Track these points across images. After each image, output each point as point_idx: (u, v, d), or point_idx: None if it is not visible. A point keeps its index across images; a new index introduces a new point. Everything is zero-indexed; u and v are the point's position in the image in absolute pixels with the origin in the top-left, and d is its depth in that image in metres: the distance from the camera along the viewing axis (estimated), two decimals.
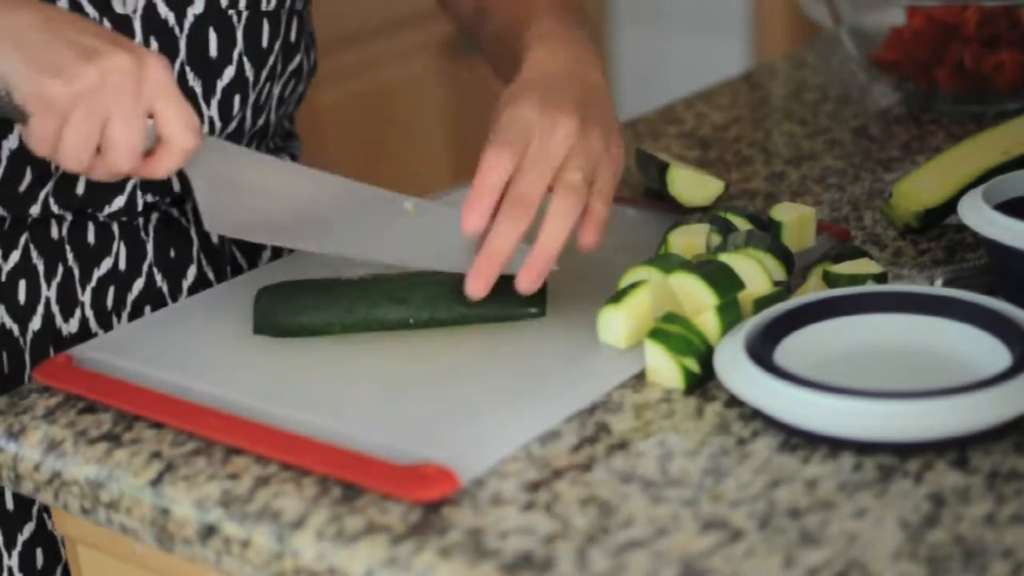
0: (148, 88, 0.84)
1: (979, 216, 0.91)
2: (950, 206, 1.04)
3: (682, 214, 1.08)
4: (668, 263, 0.91)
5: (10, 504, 1.00)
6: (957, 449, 0.75)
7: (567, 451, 0.78)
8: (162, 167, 0.87)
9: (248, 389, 0.86)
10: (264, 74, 1.05)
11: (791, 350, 0.83)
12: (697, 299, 0.88)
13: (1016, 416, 0.75)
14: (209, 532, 0.76)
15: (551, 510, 0.72)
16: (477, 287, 0.87)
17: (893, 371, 0.83)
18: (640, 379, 0.85)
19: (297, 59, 1.09)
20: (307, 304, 0.92)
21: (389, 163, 2.69)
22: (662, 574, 0.67)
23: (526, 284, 0.88)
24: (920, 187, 1.06)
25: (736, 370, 0.80)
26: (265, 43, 1.04)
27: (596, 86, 0.95)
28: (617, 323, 0.88)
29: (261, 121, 1.08)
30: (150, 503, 0.79)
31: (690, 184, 1.08)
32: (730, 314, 0.86)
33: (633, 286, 0.88)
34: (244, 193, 0.92)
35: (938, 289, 0.87)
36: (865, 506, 0.71)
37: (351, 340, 0.91)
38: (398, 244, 0.94)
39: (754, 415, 0.80)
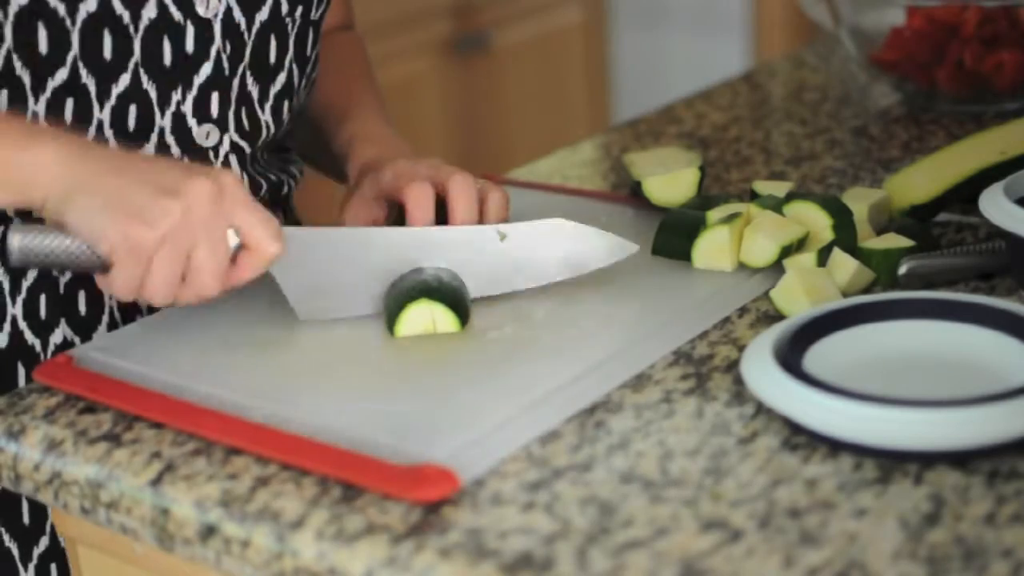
0: (228, 206, 0.85)
1: (1000, 210, 0.91)
2: (939, 204, 1.05)
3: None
4: (764, 202, 1.01)
5: (26, 518, 1.00)
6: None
7: (567, 451, 0.78)
8: (247, 274, 0.87)
9: (247, 389, 0.86)
10: (305, 81, 1.07)
11: (818, 357, 0.82)
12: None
13: None
14: (209, 532, 0.76)
15: (551, 510, 0.72)
16: None
17: (922, 378, 0.81)
18: (640, 379, 0.85)
19: (310, 66, 1.10)
20: None
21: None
22: (662, 574, 0.67)
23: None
24: (910, 184, 1.06)
25: (766, 377, 0.79)
26: (309, 50, 1.06)
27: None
28: (723, 242, 0.97)
29: (291, 126, 1.10)
30: (150, 503, 0.79)
31: (664, 187, 1.09)
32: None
33: (731, 216, 0.99)
34: (328, 275, 0.93)
35: (969, 296, 0.85)
36: (865, 506, 0.71)
37: (349, 340, 0.91)
38: (496, 273, 0.95)
39: (754, 415, 0.80)
